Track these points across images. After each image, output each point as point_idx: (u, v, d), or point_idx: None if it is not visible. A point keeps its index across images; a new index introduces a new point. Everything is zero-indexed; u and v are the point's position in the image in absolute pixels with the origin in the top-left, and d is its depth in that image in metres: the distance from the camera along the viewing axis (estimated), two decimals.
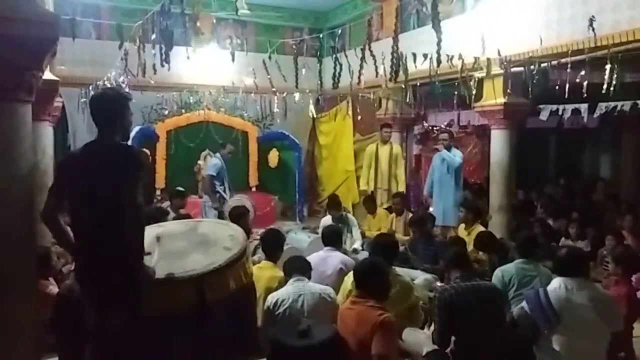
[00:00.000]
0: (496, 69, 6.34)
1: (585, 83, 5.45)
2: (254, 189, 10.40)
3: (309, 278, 3.96)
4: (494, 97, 6.98)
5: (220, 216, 7.29)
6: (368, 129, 10.46)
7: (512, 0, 6.63)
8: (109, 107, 2.95)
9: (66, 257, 5.26)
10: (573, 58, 5.46)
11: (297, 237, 7.03)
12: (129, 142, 3.78)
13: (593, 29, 4.99)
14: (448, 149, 7.32)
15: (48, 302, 3.80)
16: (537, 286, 3.94)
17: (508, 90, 6.93)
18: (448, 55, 5.61)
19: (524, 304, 3.62)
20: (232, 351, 3.43)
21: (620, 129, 10.47)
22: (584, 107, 6.72)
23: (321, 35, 8.15)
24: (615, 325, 3.53)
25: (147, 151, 8.88)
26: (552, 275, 3.90)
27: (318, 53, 7.21)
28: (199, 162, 9.72)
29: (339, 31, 7.37)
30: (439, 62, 4.85)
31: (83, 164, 2.89)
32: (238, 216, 5.20)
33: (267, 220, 9.41)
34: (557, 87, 5.63)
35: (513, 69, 6.25)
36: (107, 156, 2.85)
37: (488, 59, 6.05)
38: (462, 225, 6.55)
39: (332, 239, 4.95)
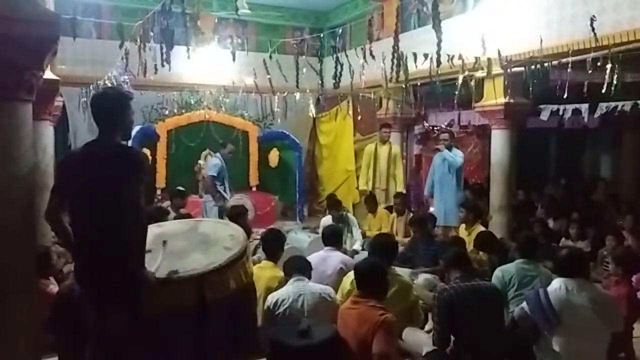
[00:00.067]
0: (497, 69, 6.34)
1: (585, 83, 5.45)
2: (254, 189, 10.40)
3: (309, 278, 3.96)
4: (495, 97, 6.98)
5: (223, 215, 7.28)
6: (368, 129, 10.46)
7: (513, 0, 6.63)
8: (110, 106, 2.95)
9: (66, 257, 5.26)
10: (574, 58, 5.46)
11: (298, 237, 7.04)
12: (130, 142, 3.79)
13: (593, 29, 4.98)
14: (449, 149, 7.32)
15: (48, 301, 3.80)
16: (537, 286, 3.94)
17: (509, 90, 6.93)
18: (449, 55, 5.61)
19: (524, 304, 3.62)
20: (232, 351, 3.43)
21: (620, 129, 10.47)
22: (584, 107, 6.72)
23: (322, 35, 8.16)
24: (616, 325, 3.52)
25: (148, 150, 8.95)
26: (552, 276, 3.90)
27: (319, 53, 7.21)
28: (200, 161, 9.72)
29: (340, 31, 7.37)
30: (438, 62, 4.85)
31: (83, 163, 2.89)
32: (237, 215, 5.20)
33: (268, 220, 9.42)
34: (557, 87, 5.62)
35: (514, 69, 6.24)
36: (108, 156, 2.85)
37: (489, 59, 6.04)
38: (463, 226, 6.54)
39: (333, 239, 4.96)
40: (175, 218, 5.50)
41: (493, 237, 5.71)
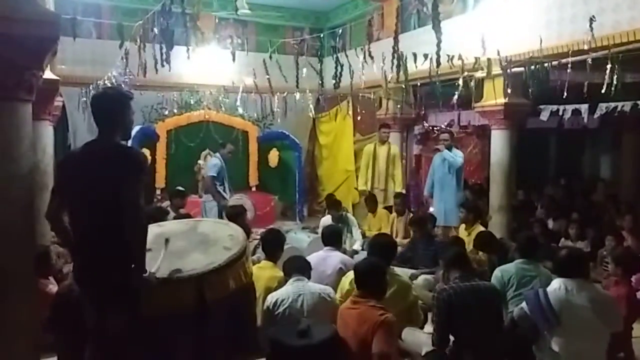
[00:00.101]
0: (496, 69, 6.33)
1: (585, 83, 5.45)
2: (254, 189, 10.39)
3: (309, 278, 3.97)
4: (494, 97, 6.98)
5: (223, 215, 7.28)
6: (368, 129, 10.46)
7: (513, 0, 6.63)
8: (110, 106, 2.94)
9: (66, 257, 5.26)
10: (573, 58, 5.46)
11: (297, 237, 7.04)
12: (130, 142, 3.78)
13: (592, 29, 4.98)
14: (449, 149, 7.32)
15: (48, 301, 3.80)
16: (536, 286, 3.94)
17: (508, 91, 6.92)
18: (448, 56, 5.61)
19: (523, 304, 3.62)
20: (232, 351, 3.43)
21: (620, 129, 10.47)
22: (584, 107, 6.73)
23: (322, 35, 8.16)
24: (615, 326, 3.53)
25: (148, 150, 8.94)
26: (552, 276, 3.90)
27: (319, 53, 7.21)
28: (199, 161, 9.72)
29: (340, 31, 7.37)
30: (438, 62, 4.85)
31: (83, 163, 2.88)
32: (235, 215, 5.21)
33: (267, 220, 9.41)
34: (557, 88, 5.62)
35: (513, 69, 6.24)
36: (108, 156, 2.84)
37: (488, 59, 6.04)
38: (463, 226, 6.55)
39: (332, 239, 4.96)
40: (174, 218, 5.50)
41: (493, 237, 5.72)
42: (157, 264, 3.14)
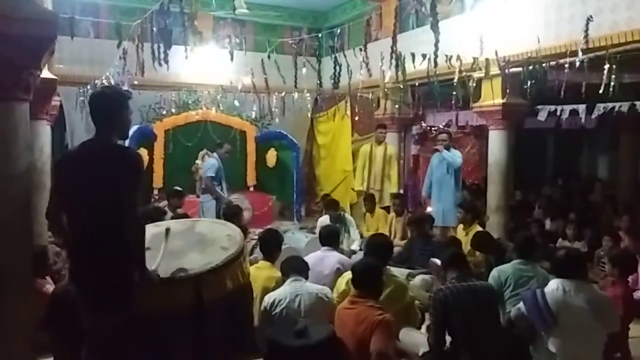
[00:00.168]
0: (494, 70, 6.34)
1: (583, 84, 5.46)
2: (251, 189, 10.38)
3: (307, 278, 3.96)
4: (492, 97, 6.99)
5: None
6: (366, 129, 10.46)
7: (511, 0, 6.64)
8: (108, 105, 2.93)
9: (64, 257, 5.25)
10: (571, 59, 5.46)
11: (295, 237, 7.04)
12: (127, 141, 3.78)
13: (587, 30, 4.98)
14: (447, 149, 7.32)
15: (44, 301, 3.79)
16: (533, 287, 3.94)
17: (506, 91, 6.94)
18: (447, 56, 5.61)
19: (520, 304, 3.62)
20: (229, 351, 3.43)
21: (618, 130, 10.49)
22: (582, 107, 6.74)
23: (320, 35, 8.16)
24: (612, 326, 3.53)
25: (146, 150, 8.94)
26: (549, 276, 3.91)
27: (317, 53, 7.20)
28: (197, 161, 9.70)
29: (338, 31, 7.37)
30: (435, 62, 4.86)
31: (80, 163, 2.87)
32: (232, 215, 5.21)
33: (265, 220, 9.42)
34: (555, 88, 5.63)
35: (511, 70, 6.25)
36: (105, 156, 2.83)
37: (486, 60, 6.05)
38: (461, 226, 6.55)
39: (330, 239, 4.96)
40: (172, 218, 5.49)
41: (490, 237, 5.72)
42: (156, 262, 3.14)
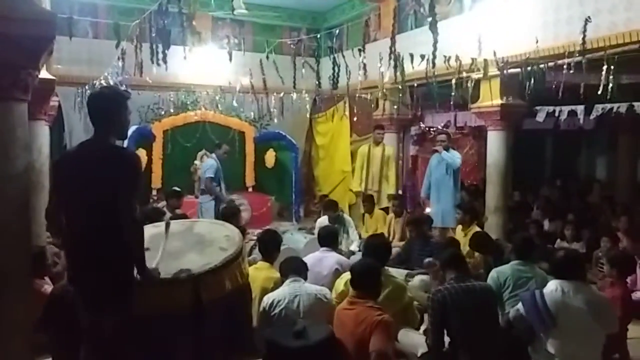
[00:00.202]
0: (493, 70, 6.35)
1: (582, 85, 5.47)
2: (250, 189, 10.39)
3: (305, 279, 3.96)
4: (491, 98, 6.99)
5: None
6: (365, 130, 10.46)
7: (510, 1, 6.65)
8: (106, 105, 2.93)
9: (63, 257, 5.24)
10: (570, 60, 5.47)
11: (294, 238, 7.03)
12: (126, 142, 3.77)
13: (584, 31, 4.99)
14: (446, 150, 7.32)
15: (43, 301, 3.78)
16: (532, 288, 3.94)
17: (505, 92, 6.94)
18: (445, 56, 5.62)
19: (519, 305, 3.62)
20: (228, 351, 3.42)
21: (616, 130, 10.51)
22: (580, 108, 6.75)
23: (319, 36, 8.17)
24: (611, 327, 3.53)
25: (144, 150, 8.93)
26: (548, 277, 3.91)
27: (316, 53, 7.21)
28: (196, 162, 9.70)
29: (337, 31, 7.38)
30: (433, 63, 4.86)
31: (78, 163, 2.87)
32: (230, 216, 5.20)
33: (264, 220, 9.42)
34: (553, 89, 5.64)
35: (510, 70, 6.26)
36: (103, 157, 2.83)
37: (485, 60, 6.06)
38: (459, 227, 6.55)
39: (328, 239, 4.96)
40: (171, 218, 5.48)
41: (488, 237, 5.73)
42: (155, 261, 3.14)
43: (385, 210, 7.91)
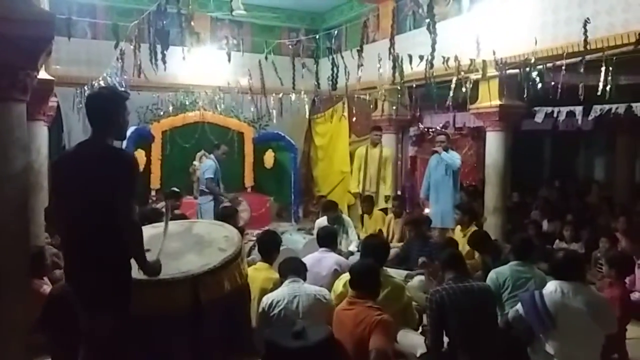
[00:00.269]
0: (492, 71, 6.35)
1: (580, 85, 5.47)
2: (249, 190, 10.38)
3: (305, 279, 3.96)
4: (490, 99, 6.99)
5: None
6: (364, 131, 10.45)
7: (508, 2, 6.65)
8: (104, 106, 2.93)
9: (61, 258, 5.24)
10: (568, 60, 5.48)
11: (293, 239, 7.03)
12: (125, 142, 3.76)
13: (586, 31, 5.00)
14: (445, 150, 7.32)
15: (41, 301, 3.78)
16: (531, 288, 3.94)
17: (503, 92, 6.94)
18: (444, 57, 5.62)
19: (518, 306, 3.62)
20: (227, 352, 3.42)
21: (614, 131, 10.51)
22: (578, 109, 6.76)
23: (317, 36, 8.15)
24: (611, 328, 3.53)
25: (143, 151, 8.93)
26: (547, 278, 3.91)
27: (314, 54, 7.21)
28: (195, 162, 9.69)
29: (336, 32, 7.37)
30: (431, 64, 4.86)
31: (76, 164, 2.87)
32: (228, 216, 5.21)
33: (263, 221, 9.42)
34: (552, 90, 5.64)
35: (508, 71, 6.26)
36: (102, 157, 2.83)
37: (484, 61, 6.06)
38: (458, 227, 6.55)
39: (327, 240, 4.96)
40: (170, 219, 5.48)
41: (487, 236, 5.72)
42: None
43: (383, 211, 7.91)
